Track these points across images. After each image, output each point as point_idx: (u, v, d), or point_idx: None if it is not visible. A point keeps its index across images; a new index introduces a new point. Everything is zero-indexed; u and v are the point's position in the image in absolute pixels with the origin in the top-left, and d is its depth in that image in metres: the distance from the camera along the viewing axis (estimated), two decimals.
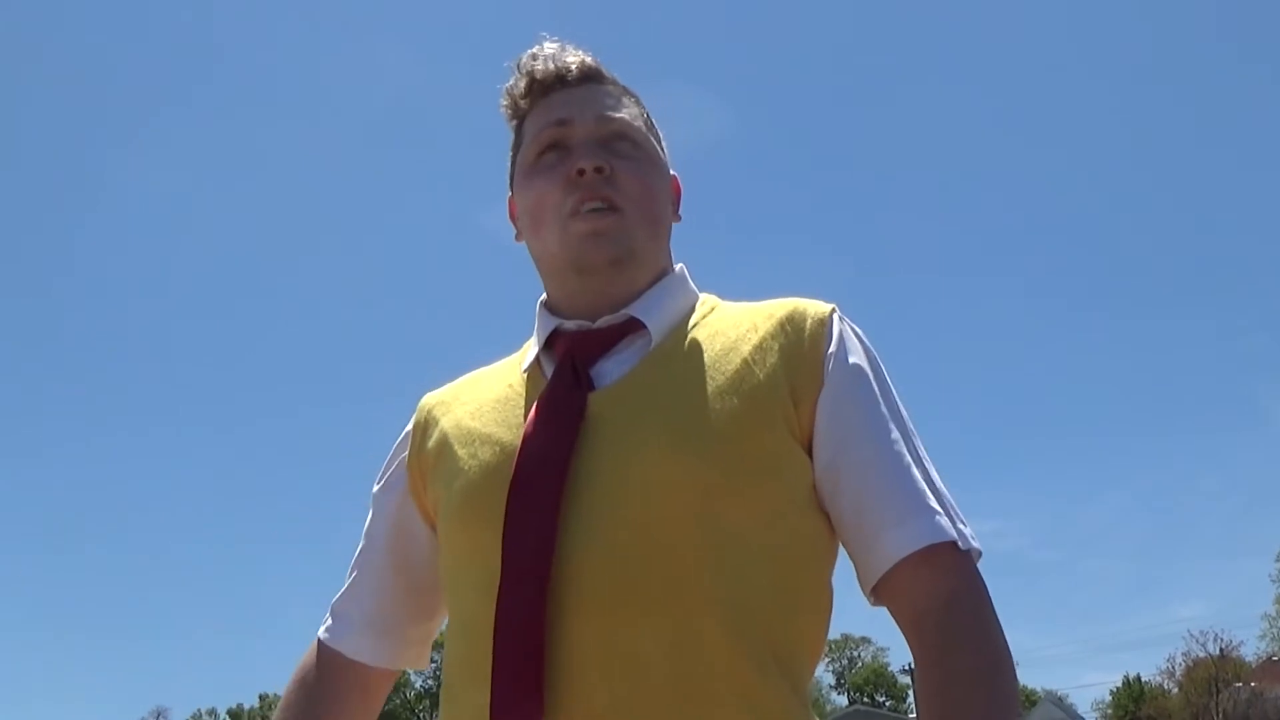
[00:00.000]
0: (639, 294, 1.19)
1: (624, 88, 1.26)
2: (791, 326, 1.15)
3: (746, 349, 1.13)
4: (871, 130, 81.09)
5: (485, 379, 1.26)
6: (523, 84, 1.24)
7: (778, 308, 1.18)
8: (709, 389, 1.09)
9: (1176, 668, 48.33)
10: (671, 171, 1.30)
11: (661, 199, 1.23)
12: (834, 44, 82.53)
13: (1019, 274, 76.17)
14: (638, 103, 1.26)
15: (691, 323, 1.18)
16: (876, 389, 1.14)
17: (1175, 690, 48.05)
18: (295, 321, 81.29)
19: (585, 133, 1.19)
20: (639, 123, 1.23)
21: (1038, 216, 77.57)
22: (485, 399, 1.21)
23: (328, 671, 1.27)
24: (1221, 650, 46.72)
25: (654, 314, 1.18)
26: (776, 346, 1.13)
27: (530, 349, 1.23)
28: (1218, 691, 44.47)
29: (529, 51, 1.24)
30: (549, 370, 1.18)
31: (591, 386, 1.13)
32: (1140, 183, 76.97)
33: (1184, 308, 73.28)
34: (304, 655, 1.31)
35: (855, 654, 64.51)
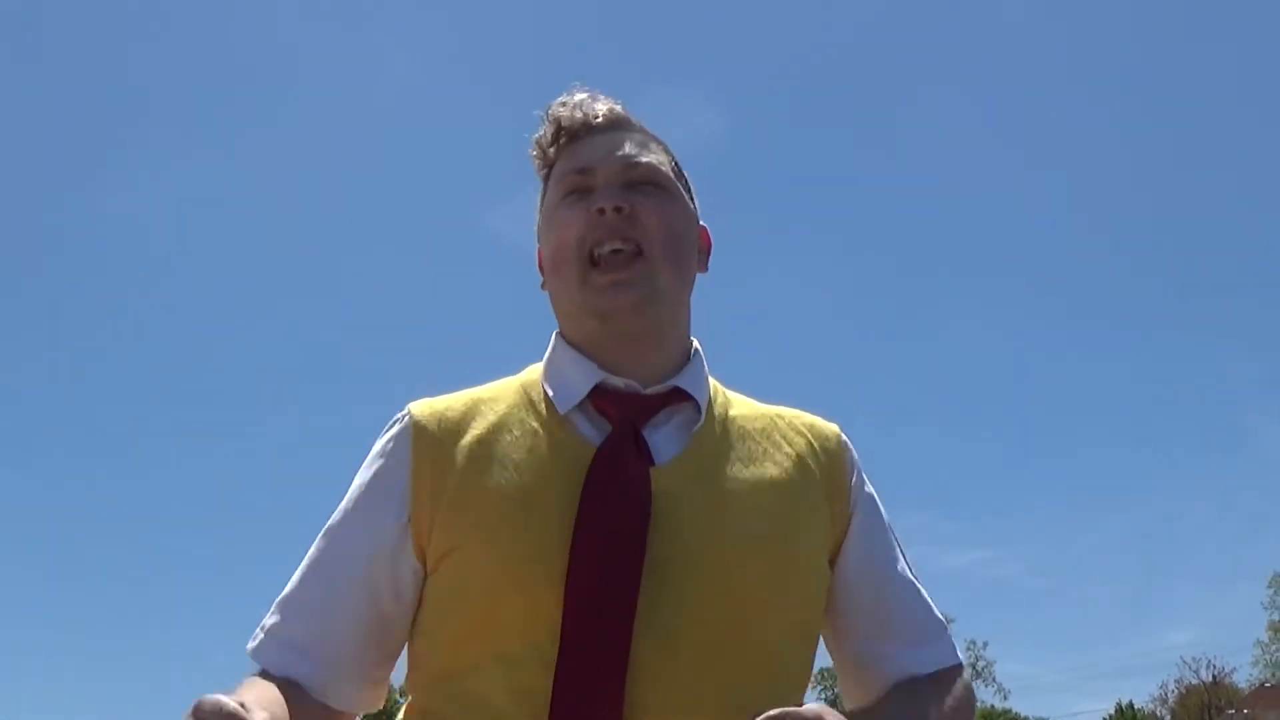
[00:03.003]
0: (661, 339, 1.19)
1: (652, 135, 1.25)
2: (819, 444, 1.24)
3: (787, 463, 1.20)
4: (868, 135, 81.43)
5: (497, 408, 1.19)
6: (550, 132, 1.23)
7: (799, 423, 1.26)
8: (771, 491, 1.16)
9: (1169, 695, 48.31)
10: (701, 223, 1.29)
11: (686, 242, 1.22)
12: (830, 44, 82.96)
13: (1006, 300, 76.39)
14: (666, 150, 1.26)
15: (719, 408, 1.22)
16: (885, 515, 1.27)
17: (1168, 717, 47.96)
18: (294, 324, 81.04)
19: (608, 176, 1.18)
20: (666, 168, 1.22)
21: (1029, 237, 77.93)
22: (513, 438, 1.15)
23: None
24: (1214, 677, 46.71)
25: (697, 391, 1.20)
26: (813, 464, 1.21)
27: (542, 384, 1.19)
28: (1211, 718, 44.40)
29: (558, 100, 1.24)
30: (584, 421, 1.16)
31: (650, 459, 1.13)
32: (1125, 208, 77.38)
33: (1168, 332, 73.56)
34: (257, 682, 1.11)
35: None
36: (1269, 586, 46.27)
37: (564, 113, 1.23)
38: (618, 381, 1.17)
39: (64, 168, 77.82)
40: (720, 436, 1.18)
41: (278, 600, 1.18)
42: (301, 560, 1.19)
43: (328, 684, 1.13)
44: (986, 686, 51.83)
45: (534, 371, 1.23)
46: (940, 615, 1.26)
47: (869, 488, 1.26)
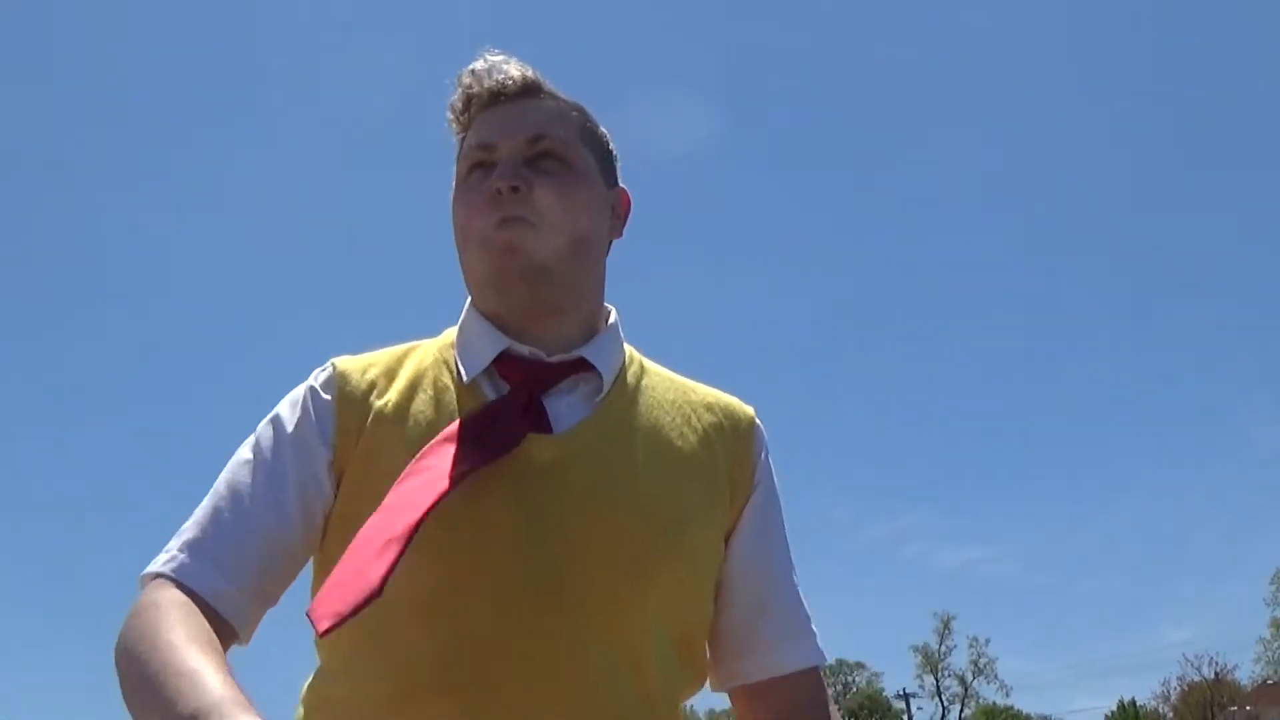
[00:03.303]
0: (559, 311, 1.19)
1: (564, 101, 1.24)
2: (729, 425, 1.25)
3: (693, 438, 1.21)
4: (865, 134, 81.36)
5: (415, 367, 1.20)
6: (460, 100, 1.23)
7: (712, 400, 1.27)
8: (668, 465, 1.17)
9: (1172, 692, 48.31)
10: (620, 185, 1.28)
11: (586, 215, 1.20)
12: (828, 46, 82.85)
13: (1003, 298, 76.32)
14: (579, 115, 1.24)
15: (630, 379, 1.23)
16: (780, 506, 1.28)
17: (1170, 715, 47.97)
18: (289, 326, 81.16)
19: (508, 151, 1.18)
20: (573, 136, 1.21)
21: (1024, 236, 77.84)
22: (425, 398, 1.17)
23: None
24: (1216, 674, 46.72)
25: (603, 360, 1.20)
26: (720, 445, 1.23)
27: (452, 348, 1.21)
28: (1213, 716, 44.42)
29: (469, 66, 1.23)
30: (489, 387, 1.18)
31: (546, 427, 1.15)
32: (1122, 207, 77.29)
33: (1165, 329, 73.51)
34: (155, 595, 1.05)
35: (850, 679, 64.29)
36: (1271, 583, 46.25)
37: (472, 80, 1.22)
38: (522, 349, 1.18)
39: (61, 169, 77.95)
40: (625, 408, 1.19)
41: (199, 519, 1.12)
42: (215, 484, 1.15)
43: (236, 602, 1.08)
44: (989, 684, 52.03)
45: (450, 335, 1.25)
46: (809, 614, 1.27)
47: (772, 476, 1.27)
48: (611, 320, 1.26)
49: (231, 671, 0.93)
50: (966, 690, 52.27)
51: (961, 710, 52.00)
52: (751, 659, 1.22)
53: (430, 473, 1.08)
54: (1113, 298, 74.24)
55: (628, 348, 1.27)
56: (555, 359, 1.18)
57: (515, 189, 1.15)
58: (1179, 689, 47.77)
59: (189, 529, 1.12)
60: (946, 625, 52.43)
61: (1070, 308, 74.55)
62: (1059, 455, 73.55)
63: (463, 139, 1.24)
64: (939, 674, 52.24)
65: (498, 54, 1.23)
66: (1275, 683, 45.04)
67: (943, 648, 52.46)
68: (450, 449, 1.10)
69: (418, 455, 1.10)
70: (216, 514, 1.11)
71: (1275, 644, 46.31)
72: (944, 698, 52.33)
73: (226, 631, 1.07)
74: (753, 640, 1.22)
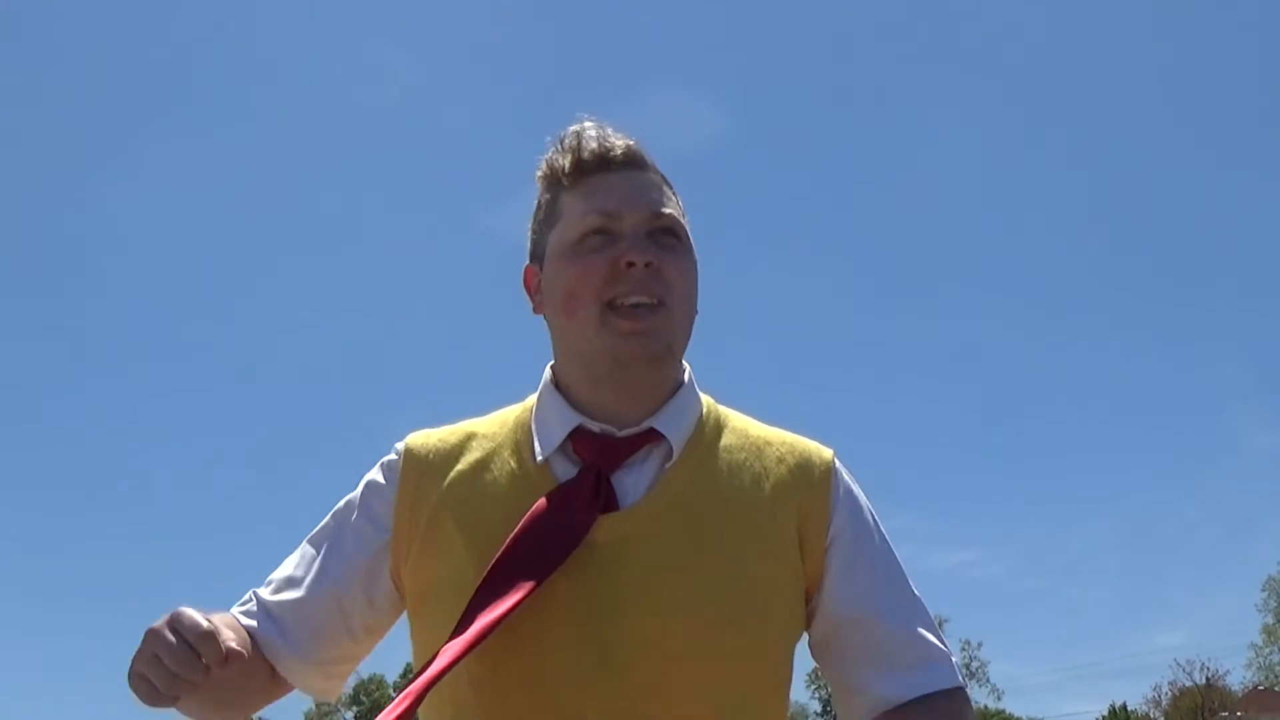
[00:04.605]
0: (666, 393, 1.21)
1: (663, 176, 1.24)
2: (801, 474, 1.23)
3: (762, 501, 1.19)
4: (870, 136, 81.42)
5: (486, 445, 1.23)
6: (568, 161, 1.22)
7: (785, 451, 1.24)
8: (729, 546, 1.15)
9: (1163, 697, 48.42)
10: None
11: (696, 292, 1.23)
12: (829, 43, 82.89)
13: (996, 300, 76.49)
14: (675, 191, 1.25)
15: (705, 440, 1.22)
16: (877, 540, 1.25)
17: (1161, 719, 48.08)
18: (290, 325, 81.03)
19: (635, 224, 1.18)
20: (680, 212, 1.23)
21: (1017, 239, 78.01)
22: (491, 478, 1.19)
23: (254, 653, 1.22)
24: (1208, 679, 46.84)
25: (673, 427, 1.20)
26: (791, 503, 1.20)
27: (533, 428, 1.22)
28: None
29: (573, 129, 1.23)
30: (563, 465, 1.19)
31: (614, 505, 1.15)
32: (1115, 211, 77.49)
33: (1155, 333, 73.75)
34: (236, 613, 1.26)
35: None
36: (1263, 589, 46.41)
37: (582, 144, 1.22)
38: (593, 426, 1.19)
39: (67, 170, 77.83)
40: (691, 476, 1.19)
41: (273, 574, 1.28)
42: (296, 549, 1.29)
43: (284, 654, 1.23)
44: (980, 687, 52.01)
45: (526, 406, 1.27)
46: (935, 641, 1.23)
47: (859, 512, 1.25)
48: (684, 379, 1.25)
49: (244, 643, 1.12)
50: None
51: None
52: (859, 698, 1.21)
53: (495, 589, 1.10)
54: (1106, 302, 74.52)
55: (706, 400, 1.26)
56: (625, 433, 1.19)
57: (650, 265, 1.16)
58: (1170, 694, 47.92)
59: (269, 582, 1.26)
60: (938, 628, 52.48)
61: (1064, 311, 74.78)
62: (1051, 459, 73.75)
63: (551, 199, 1.23)
64: None
65: (593, 121, 1.23)
66: (1266, 689, 45.19)
67: None
68: (519, 556, 1.11)
69: (490, 565, 1.11)
70: (289, 573, 1.25)
71: (1267, 650, 46.51)
72: None
73: (269, 676, 1.24)
74: (860, 679, 1.21)
